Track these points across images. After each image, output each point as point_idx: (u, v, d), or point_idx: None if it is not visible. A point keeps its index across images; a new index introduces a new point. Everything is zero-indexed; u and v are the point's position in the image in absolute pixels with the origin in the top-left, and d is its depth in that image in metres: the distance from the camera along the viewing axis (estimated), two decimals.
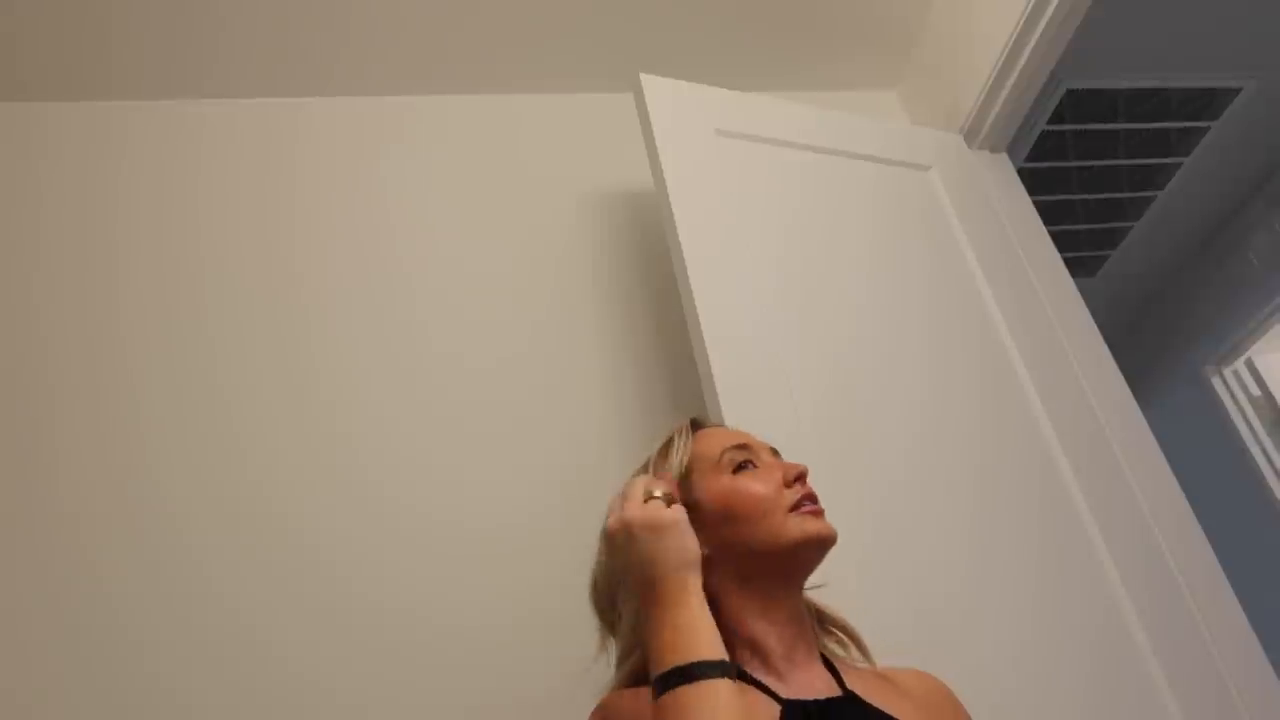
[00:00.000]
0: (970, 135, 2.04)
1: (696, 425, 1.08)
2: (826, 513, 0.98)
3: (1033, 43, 1.82)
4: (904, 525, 1.41)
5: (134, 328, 1.68)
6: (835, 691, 0.92)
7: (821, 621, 1.03)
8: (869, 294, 1.67)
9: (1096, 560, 1.51)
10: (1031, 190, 2.05)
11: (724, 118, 1.72)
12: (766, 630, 0.94)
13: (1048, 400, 1.66)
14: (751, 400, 1.40)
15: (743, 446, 1.01)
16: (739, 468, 0.99)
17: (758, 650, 0.93)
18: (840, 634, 1.03)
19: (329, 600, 1.47)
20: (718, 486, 0.98)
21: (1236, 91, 2.48)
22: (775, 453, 1.04)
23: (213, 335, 1.69)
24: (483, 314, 1.78)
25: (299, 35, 1.89)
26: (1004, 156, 2.08)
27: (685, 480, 1.00)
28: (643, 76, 1.68)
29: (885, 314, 1.66)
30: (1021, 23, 1.81)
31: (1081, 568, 1.50)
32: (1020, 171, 2.11)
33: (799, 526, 0.94)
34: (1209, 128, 2.59)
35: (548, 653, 1.37)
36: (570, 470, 1.63)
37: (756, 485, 0.97)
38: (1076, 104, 2.42)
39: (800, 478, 0.98)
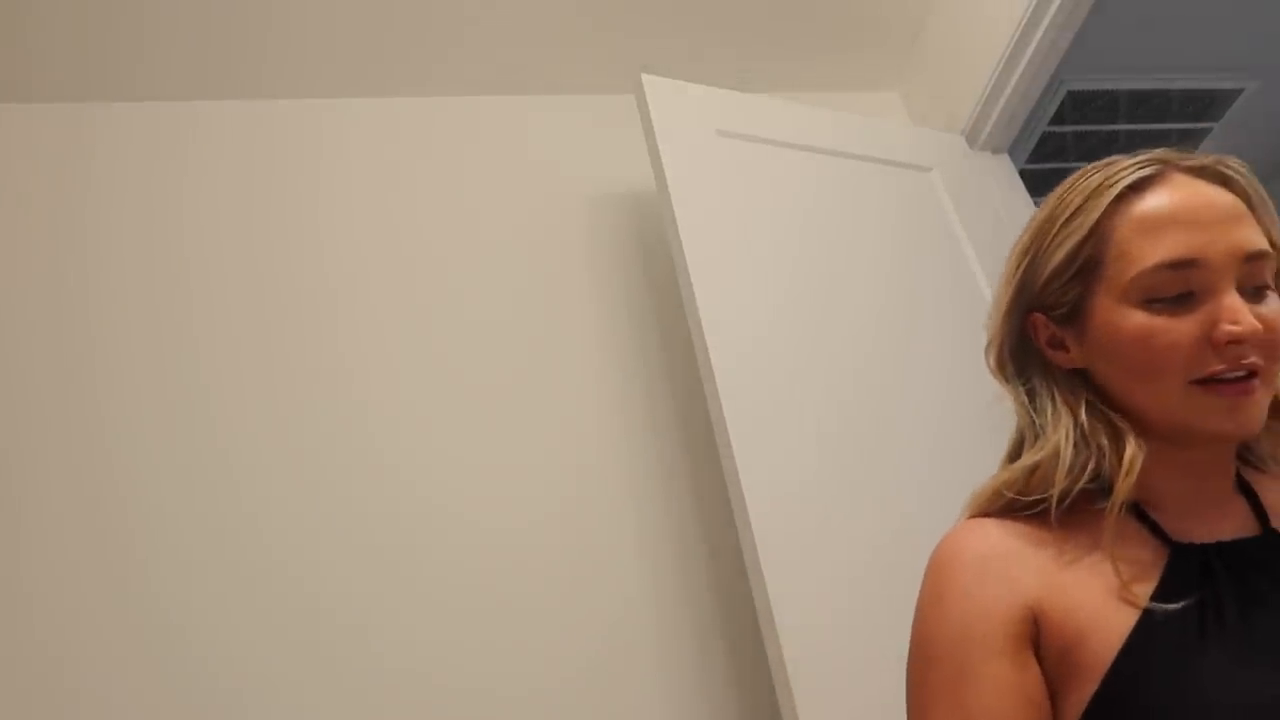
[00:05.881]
0: (972, 136, 2.04)
1: (1160, 173, 0.74)
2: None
3: (1034, 44, 1.82)
4: (912, 526, 1.40)
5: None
6: (1250, 530, 0.70)
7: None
8: (869, 293, 1.67)
9: None
10: (1033, 191, 2.05)
11: (725, 118, 1.72)
12: (1159, 475, 0.70)
13: None
14: (752, 400, 1.40)
15: (1187, 264, 0.67)
16: (1158, 301, 0.68)
17: (1148, 484, 0.70)
18: None
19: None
20: (1114, 313, 0.70)
21: (1237, 93, 2.48)
22: (1260, 260, 0.68)
23: (198, 341, 1.69)
24: (483, 314, 1.78)
25: (303, 38, 1.88)
26: (1005, 157, 2.08)
27: (1090, 263, 0.71)
28: (644, 77, 1.68)
29: (886, 314, 1.66)
30: (1023, 24, 1.81)
31: None
32: (1021, 172, 2.11)
33: (1198, 410, 0.66)
34: (1210, 129, 2.59)
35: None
36: (570, 473, 1.63)
37: (1162, 337, 0.67)
38: (1077, 105, 2.42)
39: (1238, 340, 0.65)
